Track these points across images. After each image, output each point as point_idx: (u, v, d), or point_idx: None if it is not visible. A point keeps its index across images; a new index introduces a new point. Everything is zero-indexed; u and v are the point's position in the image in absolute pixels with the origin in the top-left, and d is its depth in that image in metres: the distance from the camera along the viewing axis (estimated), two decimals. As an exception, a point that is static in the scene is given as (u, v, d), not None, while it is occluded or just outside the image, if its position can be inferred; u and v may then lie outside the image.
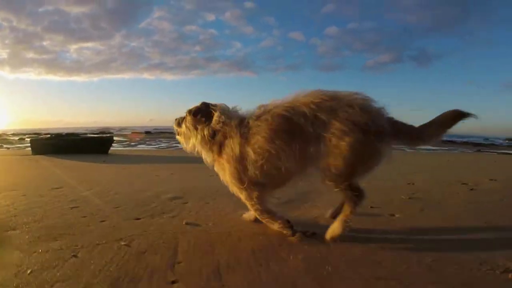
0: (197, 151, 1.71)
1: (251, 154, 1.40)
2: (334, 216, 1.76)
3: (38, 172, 5.10)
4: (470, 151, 18.93)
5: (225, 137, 1.49)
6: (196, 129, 1.62)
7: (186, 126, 1.69)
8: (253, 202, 1.54)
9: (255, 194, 1.50)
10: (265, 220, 1.60)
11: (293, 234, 1.59)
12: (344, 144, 1.33)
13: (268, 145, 1.38)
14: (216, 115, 1.56)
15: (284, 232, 1.60)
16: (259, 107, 1.55)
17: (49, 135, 13.81)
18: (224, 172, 1.55)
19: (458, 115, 1.45)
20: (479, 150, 20.00)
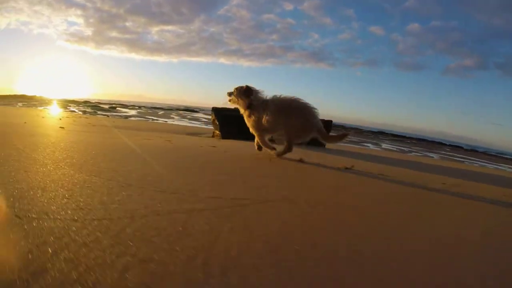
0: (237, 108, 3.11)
1: (264, 120, 2.85)
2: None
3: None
4: None
5: (253, 109, 2.88)
6: (240, 99, 2.93)
7: (234, 96, 2.97)
8: (259, 137, 3.02)
9: (260, 135, 2.99)
10: (263, 146, 3.03)
11: (277, 155, 2.97)
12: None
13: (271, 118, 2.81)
14: (252, 97, 2.90)
15: (271, 152, 3.01)
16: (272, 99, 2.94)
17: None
18: (249, 123, 2.98)
19: (344, 135, 2.93)
20: None
